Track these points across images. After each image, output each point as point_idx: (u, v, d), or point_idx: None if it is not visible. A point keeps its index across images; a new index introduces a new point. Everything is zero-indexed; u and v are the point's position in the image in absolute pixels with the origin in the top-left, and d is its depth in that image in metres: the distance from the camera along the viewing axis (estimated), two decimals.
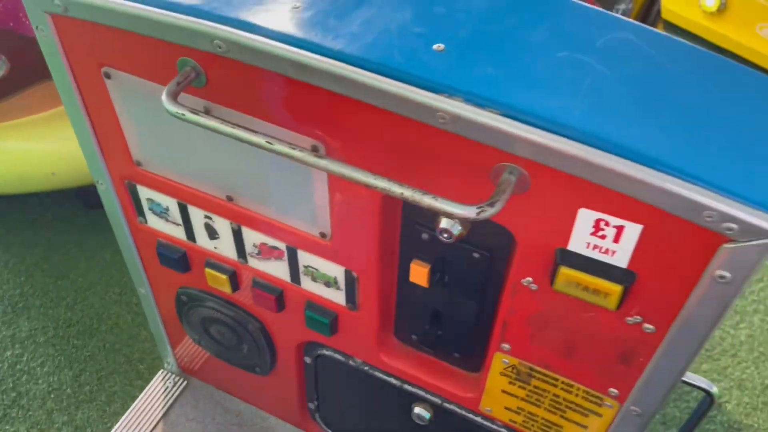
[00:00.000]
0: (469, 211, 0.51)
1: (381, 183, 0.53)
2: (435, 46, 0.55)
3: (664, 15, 2.29)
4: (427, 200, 0.52)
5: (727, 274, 0.50)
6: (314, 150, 0.62)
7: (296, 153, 0.55)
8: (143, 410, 1.09)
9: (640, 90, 0.53)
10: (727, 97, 0.53)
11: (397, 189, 0.53)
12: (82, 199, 1.91)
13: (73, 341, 1.69)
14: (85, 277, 1.81)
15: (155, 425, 1.07)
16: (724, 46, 2.43)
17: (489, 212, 0.51)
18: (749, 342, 1.74)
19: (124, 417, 1.08)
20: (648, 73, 0.54)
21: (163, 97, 0.58)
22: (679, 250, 0.51)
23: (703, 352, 1.73)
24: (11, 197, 1.91)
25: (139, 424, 1.07)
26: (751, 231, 0.47)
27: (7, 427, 1.53)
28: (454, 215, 0.52)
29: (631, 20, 0.59)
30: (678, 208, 0.49)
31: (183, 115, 0.57)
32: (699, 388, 0.73)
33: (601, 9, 0.59)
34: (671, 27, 2.51)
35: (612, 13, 0.59)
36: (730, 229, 0.48)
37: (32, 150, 1.65)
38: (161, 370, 1.14)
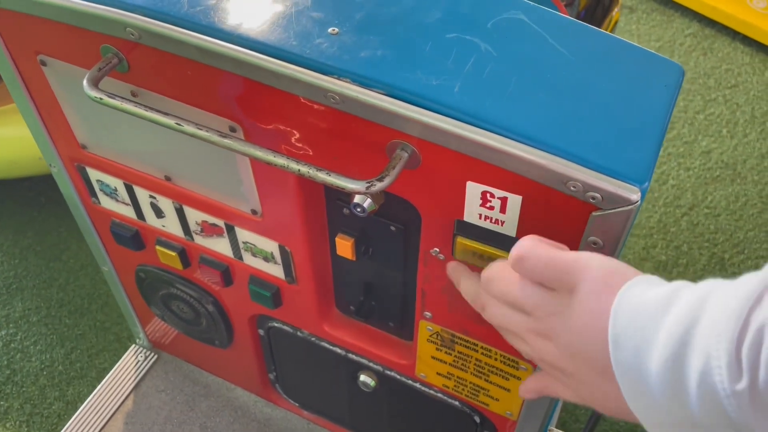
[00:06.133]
0: (360, 186, 0.55)
1: (280, 160, 0.57)
2: (330, 30, 0.58)
3: None
4: (321, 176, 0.56)
5: (599, 240, 0.53)
6: (232, 131, 0.66)
7: (203, 133, 0.59)
8: (115, 382, 1.14)
9: (520, 68, 0.56)
10: (602, 72, 0.56)
11: (295, 166, 0.56)
12: None
13: (65, 320, 1.75)
14: (77, 259, 1.86)
15: (126, 396, 1.13)
16: (715, 18, 2.43)
17: (378, 186, 0.55)
18: None
19: (96, 389, 1.14)
20: (531, 52, 0.57)
21: (84, 82, 0.62)
22: (557, 219, 0.54)
23: None
24: (3, 182, 1.97)
25: (111, 395, 1.13)
26: (613, 199, 0.50)
27: (1, 403, 1.60)
28: (345, 189, 0.55)
29: (526, 0, 0.61)
30: (547, 179, 0.51)
31: (101, 99, 0.61)
32: None
33: None
34: None
35: None
36: (594, 198, 0.50)
37: (19, 135, 1.69)
38: (133, 345, 1.19)
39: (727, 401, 0.34)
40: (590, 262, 0.45)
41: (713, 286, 0.38)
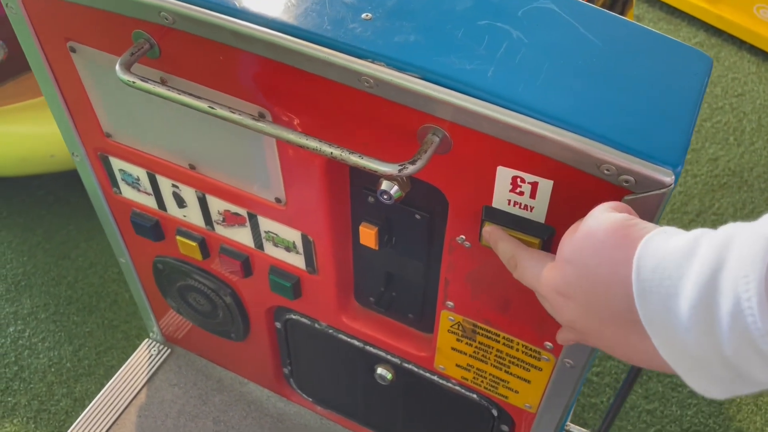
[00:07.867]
0: (392, 168, 0.55)
1: (312, 143, 0.57)
2: (363, 15, 0.59)
3: None
4: (354, 159, 0.56)
5: None
6: (261, 116, 0.66)
7: (236, 117, 0.59)
8: (129, 376, 1.14)
9: (551, 54, 0.56)
10: (632, 60, 0.56)
11: (327, 149, 0.57)
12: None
13: (73, 318, 1.75)
14: (86, 257, 1.87)
15: (140, 390, 1.13)
16: (722, 28, 2.44)
17: (410, 169, 0.55)
18: None
19: (110, 382, 1.14)
20: (561, 39, 0.58)
21: (117, 66, 0.62)
22: (587, 204, 0.55)
23: None
24: (13, 180, 1.98)
25: (124, 388, 1.13)
26: (645, 183, 0.50)
27: (9, 399, 1.60)
28: (378, 172, 0.56)
29: None
30: (580, 162, 0.52)
31: (134, 83, 0.62)
32: None
33: None
34: (669, 8, 2.52)
35: None
36: (627, 182, 0.51)
37: (31, 133, 1.70)
38: (147, 339, 1.19)
39: (762, 340, 0.35)
40: (603, 216, 0.46)
41: (734, 230, 0.38)
